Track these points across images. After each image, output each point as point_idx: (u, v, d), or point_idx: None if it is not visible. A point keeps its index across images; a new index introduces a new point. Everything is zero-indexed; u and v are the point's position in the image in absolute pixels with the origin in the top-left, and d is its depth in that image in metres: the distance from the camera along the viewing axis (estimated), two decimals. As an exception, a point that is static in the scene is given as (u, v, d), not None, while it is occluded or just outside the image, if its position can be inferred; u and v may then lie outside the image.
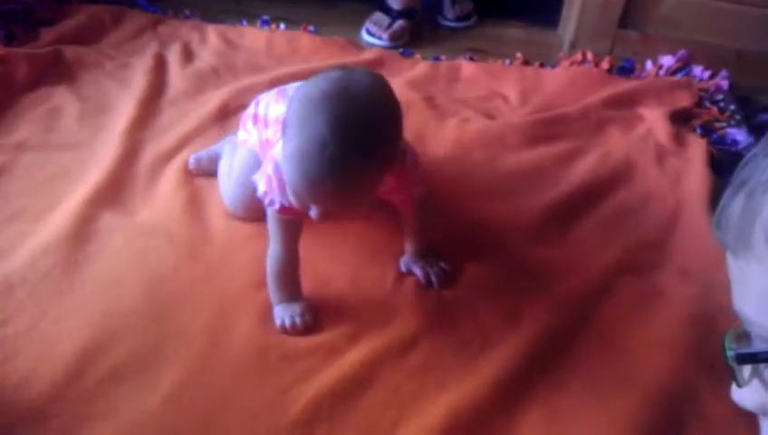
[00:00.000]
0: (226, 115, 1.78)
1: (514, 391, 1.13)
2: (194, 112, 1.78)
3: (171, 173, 1.57)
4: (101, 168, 1.55)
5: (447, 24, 2.37)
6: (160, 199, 1.50)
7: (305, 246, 1.27)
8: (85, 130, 1.71)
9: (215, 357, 1.18)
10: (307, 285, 1.29)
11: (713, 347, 1.18)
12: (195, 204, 1.49)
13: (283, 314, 1.23)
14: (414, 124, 1.76)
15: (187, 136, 1.68)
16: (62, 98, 1.82)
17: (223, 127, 1.74)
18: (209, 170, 1.56)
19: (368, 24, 2.25)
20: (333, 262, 1.37)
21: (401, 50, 2.18)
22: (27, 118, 1.74)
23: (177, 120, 1.76)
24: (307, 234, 1.29)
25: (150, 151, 1.62)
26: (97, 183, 1.50)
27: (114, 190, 1.50)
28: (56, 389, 1.10)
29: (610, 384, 1.15)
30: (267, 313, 1.26)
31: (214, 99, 1.83)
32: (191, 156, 1.59)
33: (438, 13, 2.39)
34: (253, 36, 2.18)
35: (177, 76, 1.94)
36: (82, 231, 1.39)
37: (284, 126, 1.08)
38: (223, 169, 1.50)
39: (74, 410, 1.08)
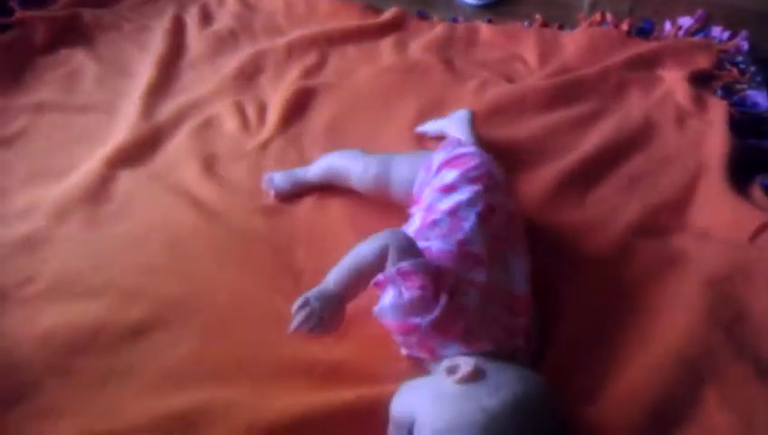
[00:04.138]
0: (244, 78, 1.80)
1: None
2: (212, 75, 1.79)
3: (191, 134, 1.58)
4: (121, 129, 1.57)
5: (469, 1, 2.27)
6: (181, 160, 1.52)
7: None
8: (104, 92, 1.73)
9: (235, 316, 1.19)
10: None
11: (732, 308, 1.20)
12: (215, 165, 1.51)
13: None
14: (433, 87, 1.78)
15: (206, 98, 1.69)
16: (81, 60, 1.84)
17: (241, 90, 1.75)
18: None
19: None
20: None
21: (417, 10, 2.16)
22: (46, 80, 1.76)
23: (196, 82, 1.77)
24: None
25: (170, 113, 1.63)
26: (117, 144, 1.52)
27: (134, 151, 1.52)
28: (80, 344, 1.13)
29: (629, 344, 1.15)
30: (287, 274, 1.27)
31: (232, 61, 1.84)
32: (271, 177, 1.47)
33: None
34: (270, -2, 2.18)
35: (195, 39, 1.95)
36: (104, 191, 1.42)
37: None
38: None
39: (99, 364, 1.10)
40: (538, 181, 1.49)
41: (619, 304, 1.24)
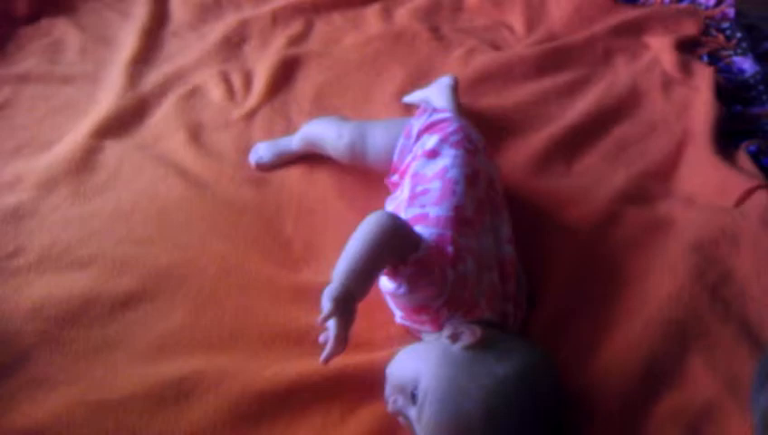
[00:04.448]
0: (229, 46, 1.77)
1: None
2: (196, 44, 1.77)
3: (176, 104, 1.57)
4: (106, 99, 1.56)
5: None
6: (166, 130, 1.51)
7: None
8: (88, 62, 1.71)
9: (225, 285, 1.20)
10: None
11: (717, 271, 1.22)
12: (201, 135, 1.50)
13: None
14: (420, 55, 1.77)
15: (191, 67, 1.68)
16: (64, 30, 1.81)
17: (226, 58, 1.73)
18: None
19: None
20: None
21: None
22: (29, 50, 1.73)
23: (181, 51, 1.75)
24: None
25: (154, 83, 1.62)
26: (102, 114, 1.51)
27: (120, 121, 1.51)
28: (71, 315, 1.13)
29: (617, 309, 1.17)
30: (276, 243, 1.27)
31: (217, 30, 1.81)
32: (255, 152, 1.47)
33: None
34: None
35: (178, 7, 1.91)
36: (90, 162, 1.41)
37: None
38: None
39: (90, 335, 1.11)
40: (525, 149, 1.49)
41: (606, 269, 1.25)
